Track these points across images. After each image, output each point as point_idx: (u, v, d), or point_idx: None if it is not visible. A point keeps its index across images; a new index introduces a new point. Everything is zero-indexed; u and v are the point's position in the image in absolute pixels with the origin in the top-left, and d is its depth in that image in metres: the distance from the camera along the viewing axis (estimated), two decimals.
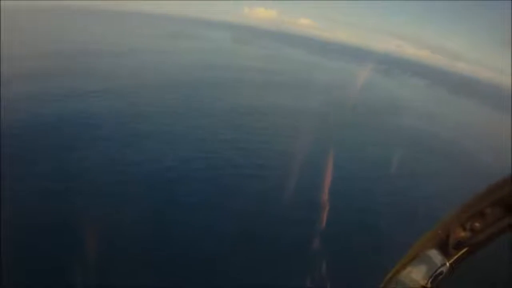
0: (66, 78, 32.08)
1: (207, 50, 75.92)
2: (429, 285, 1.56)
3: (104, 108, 25.86)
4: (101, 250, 11.56)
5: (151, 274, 11.65)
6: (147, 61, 49.61)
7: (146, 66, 45.21)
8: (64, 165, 17.39)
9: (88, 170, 17.12)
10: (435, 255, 1.57)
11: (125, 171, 17.65)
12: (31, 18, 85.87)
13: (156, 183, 17.28)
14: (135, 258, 11.55)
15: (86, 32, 76.22)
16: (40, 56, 40.25)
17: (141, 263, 11.59)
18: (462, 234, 1.53)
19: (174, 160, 19.84)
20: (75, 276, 10.29)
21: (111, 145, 20.17)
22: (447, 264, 1.54)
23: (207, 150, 21.94)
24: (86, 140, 20.43)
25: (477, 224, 1.50)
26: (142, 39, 78.05)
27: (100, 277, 10.62)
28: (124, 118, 24.59)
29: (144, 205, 14.99)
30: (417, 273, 1.59)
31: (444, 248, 1.57)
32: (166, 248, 13.26)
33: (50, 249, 11.90)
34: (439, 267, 1.55)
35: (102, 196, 15.10)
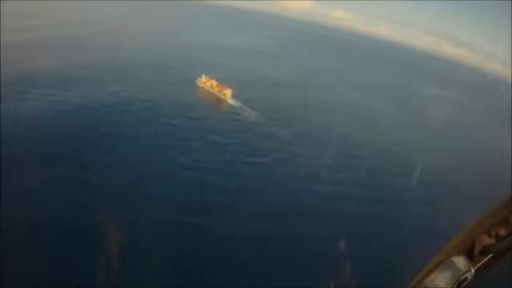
0: None
1: None
2: None
3: None
4: None
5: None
6: None
7: None
8: None
9: None
10: (460, 261, 1.59)
11: None
12: None
13: None
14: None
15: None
16: None
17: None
18: (487, 240, 1.55)
19: None
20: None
21: None
22: (472, 270, 1.56)
23: None
24: None
25: (502, 231, 1.51)
26: None
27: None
28: None
29: None
30: (442, 279, 1.60)
31: (469, 254, 1.59)
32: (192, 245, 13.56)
33: None
34: (464, 273, 1.56)
35: None
